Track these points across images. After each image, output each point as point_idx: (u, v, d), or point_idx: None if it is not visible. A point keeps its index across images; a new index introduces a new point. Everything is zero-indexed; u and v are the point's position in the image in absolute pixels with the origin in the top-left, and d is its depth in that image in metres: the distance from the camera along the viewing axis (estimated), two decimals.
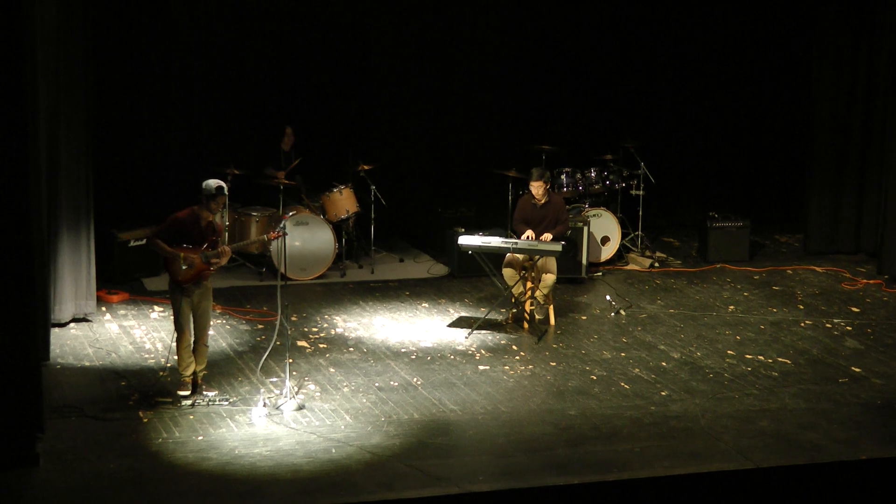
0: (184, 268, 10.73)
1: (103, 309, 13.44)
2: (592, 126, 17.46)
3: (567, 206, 15.31)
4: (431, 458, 9.76)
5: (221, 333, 12.76)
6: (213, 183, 10.80)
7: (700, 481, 9.65)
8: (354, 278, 15.07)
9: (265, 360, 11.42)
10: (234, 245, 12.45)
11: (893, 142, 15.23)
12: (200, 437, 10.07)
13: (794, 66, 17.90)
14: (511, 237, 13.41)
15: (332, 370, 11.79)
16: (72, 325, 12.83)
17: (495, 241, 13.12)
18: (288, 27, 16.17)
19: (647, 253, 16.21)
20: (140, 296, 14.02)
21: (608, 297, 14.28)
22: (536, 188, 13.36)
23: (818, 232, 16.58)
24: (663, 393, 11.38)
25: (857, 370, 12.09)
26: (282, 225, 11.36)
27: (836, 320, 13.70)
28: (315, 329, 13.06)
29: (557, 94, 17.41)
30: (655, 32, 17.69)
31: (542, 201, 13.44)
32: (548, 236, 13.19)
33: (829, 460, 9.96)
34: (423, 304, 14.09)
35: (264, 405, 10.63)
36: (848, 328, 13.43)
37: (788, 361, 12.33)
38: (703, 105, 18.08)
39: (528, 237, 13.18)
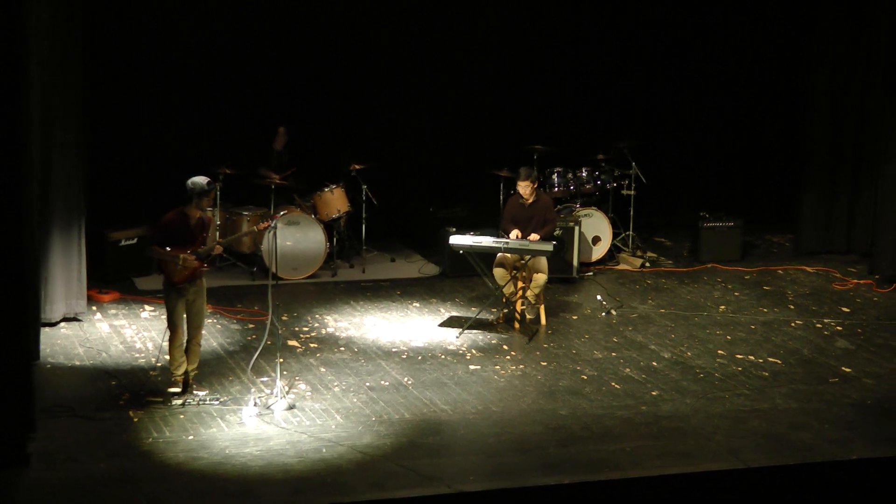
0: (179, 268, 10.72)
1: (94, 308, 13.42)
2: (584, 126, 17.46)
3: (558, 206, 15.35)
4: (422, 458, 9.76)
5: (212, 333, 12.75)
6: (202, 179, 10.77)
7: (691, 481, 9.66)
8: (346, 278, 15.06)
9: (256, 359, 11.41)
10: (225, 240, 12.47)
11: (886, 142, 15.24)
12: (191, 437, 10.06)
13: (789, 67, 17.92)
14: (502, 237, 13.41)
15: (322, 370, 11.79)
16: (62, 324, 12.81)
17: (486, 241, 13.13)
18: (282, 28, 16.15)
19: (639, 253, 16.22)
20: (131, 295, 14.00)
21: (599, 297, 14.29)
22: (524, 188, 13.37)
23: (810, 232, 16.58)
24: (654, 393, 11.39)
25: (848, 370, 12.11)
26: (273, 223, 11.30)
27: (826, 320, 13.71)
28: (306, 329, 13.05)
29: (550, 94, 17.40)
30: (648, 33, 17.69)
31: (530, 201, 13.44)
32: (535, 236, 13.18)
33: (820, 460, 9.97)
34: (415, 304, 14.09)
35: (255, 405, 10.62)
36: (839, 328, 13.45)
37: (779, 361, 12.34)
38: (695, 105, 18.09)
39: (515, 237, 13.18)
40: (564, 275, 15.00)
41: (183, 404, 10.70)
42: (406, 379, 11.58)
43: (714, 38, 17.88)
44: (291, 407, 10.70)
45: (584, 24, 17.47)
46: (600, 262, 15.88)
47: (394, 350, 12.43)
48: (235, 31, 15.98)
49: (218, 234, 14.54)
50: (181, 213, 10.85)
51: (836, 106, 16.29)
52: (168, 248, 10.71)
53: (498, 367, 12.01)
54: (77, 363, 11.82)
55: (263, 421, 10.42)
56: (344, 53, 16.47)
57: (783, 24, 17.89)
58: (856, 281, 15.25)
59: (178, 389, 10.86)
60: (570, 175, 15.93)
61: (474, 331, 13.05)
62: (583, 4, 17.43)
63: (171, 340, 10.87)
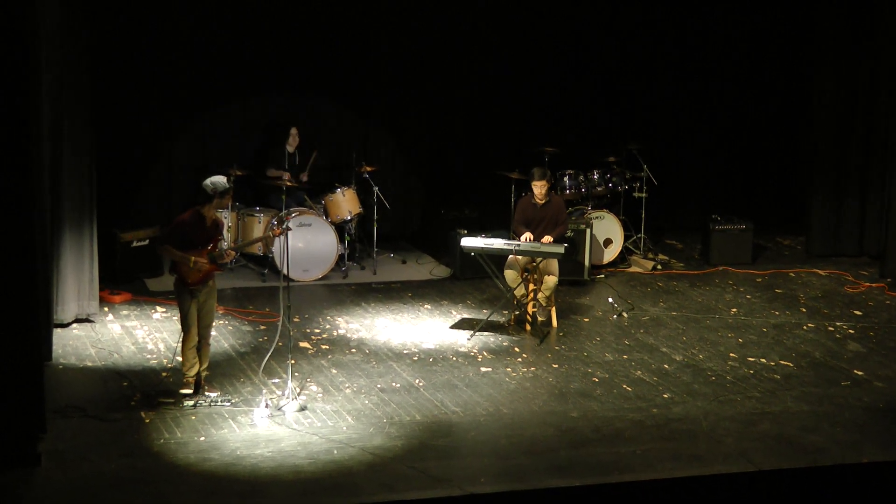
0: (192, 269, 10.72)
1: (106, 309, 13.44)
2: (595, 128, 17.47)
3: (570, 209, 15.34)
4: (433, 460, 9.76)
5: (224, 334, 12.77)
6: (222, 179, 10.79)
7: (702, 484, 9.65)
8: (357, 279, 15.07)
9: (267, 360, 11.42)
10: (238, 244, 12.47)
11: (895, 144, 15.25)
12: (202, 438, 10.07)
13: (797, 68, 17.90)
14: (513, 238, 13.41)
15: (334, 371, 11.79)
16: (74, 325, 12.83)
17: (498, 243, 13.12)
18: (290, 27, 16.16)
19: (650, 255, 16.21)
20: (142, 296, 14.02)
21: (610, 300, 14.28)
22: (539, 188, 13.36)
23: (821, 234, 16.56)
24: (665, 395, 11.38)
25: (860, 373, 12.08)
26: (285, 224, 11.32)
27: (838, 323, 13.69)
28: (317, 330, 13.06)
29: (560, 96, 17.41)
30: (658, 34, 17.69)
31: (543, 202, 13.44)
32: (548, 238, 13.19)
33: (831, 463, 9.95)
34: (426, 306, 14.09)
35: (266, 406, 10.63)
36: (850, 331, 13.42)
37: (790, 364, 12.32)
38: (706, 107, 18.08)
39: (527, 239, 13.18)
40: (575, 277, 14.99)
41: (194, 405, 10.71)
42: (417, 381, 11.58)
43: (724, 39, 17.87)
44: (303, 408, 10.71)
45: (595, 27, 17.46)
46: (612, 264, 15.87)
47: (405, 352, 12.43)
48: (239, 31, 15.97)
49: (230, 236, 14.57)
50: (197, 213, 10.85)
51: (844, 108, 16.25)
52: (180, 248, 10.72)
53: (509, 369, 12.00)
54: (89, 364, 11.84)
55: (274, 422, 10.43)
56: (348, 54, 16.47)
57: (788, 25, 17.88)
58: (868, 284, 15.22)
59: (189, 391, 10.86)
60: (581, 177, 15.92)
61: (485, 333, 13.05)
62: (594, 7, 17.42)
63: (185, 341, 10.88)
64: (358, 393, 11.22)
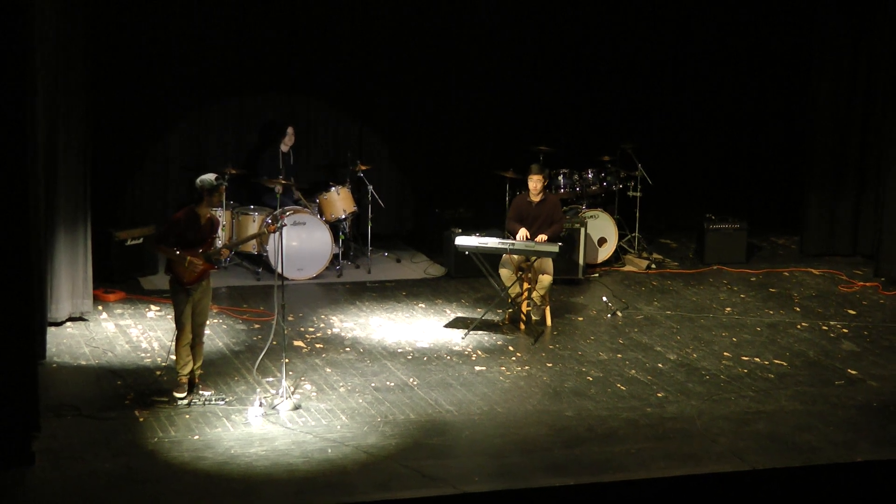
0: (187, 269, 10.70)
1: (100, 308, 13.43)
2: (590, 127, 17.47)
3: (564, 208, 15.34)
4: (427, 459, 9.76)
5: (218, 333, 12.76)
6: (210, 176, 10.77)
7: (696, 483, 9.65)
8: (351, 278, 15.07)
9: (261, 359, 11.41)
10: (232, 242, 12.45)
11: (891, 144, 15.23)
12: (196, 437, 10.07)
13: (793, 69, 17.92)
14: (508, 237, 13.40)
15: (328, 370, 11.79)
16: (68, 323, 12.81)
17: (492, 242, 13.12)
18: (287, 26, 16.16)
19: (644, 254, 16.22)
20: (137, 295, 14.01)
21: (605, 299, 14.28)
22: (535, 181, 13.34)
23: (815, 234, 16.59)
24: (659, 394, 11.38)
25: (854, 372, 12.09)
26: (280, 221, 11.30)
27: (832, 322, 13.70)
28: (311, 329, 13.06)
29: (555, 96, 17.42)
30: (654, 34, 17.70)
31: (538, 199, 13.44)
32: (543, 237, 13.19)
33: (825, 462, 9.96)
34: (420, 305, 14.09)
35: (260, 405, 10.62)
36: (844, 330, 13.43)
37: (784, 363, 12.33)
38: (701, 107, 18.10)
39: (523, 237, 13.18)
40: (570, 276, 15.00)
41: (188, 404, 10.70)
42: (411, 379, 11.58)
43: (716, 39, 17.89)
44: (297, 407, 10.70)
45: (590, 26, 17.47)
46: (606, 263, 15.88)
47: (399, 350, 12.43)
48: (235, 31, 15.98)
49: (224, 234, 14.56)
50: (192, 212, 10.83)
51: (841, 108, 16.28)
52: (177, 248, 10.70)
53: (503, 368, 12.01)
54: (83, 363, 11.83)
55: (269, 421, 10.42)
56: (344, 53, 16.46)
57: (785, 26, 17.91)
58: (861, 283, 15.24)
59: (183, 392, 10.84)
60: (575, 176, 15.92)
61: (480, 332, 13.05)
62: (582, 5, 17.43)
63: (178, 340, 10.85)
64: (352, 392, 11.21)
